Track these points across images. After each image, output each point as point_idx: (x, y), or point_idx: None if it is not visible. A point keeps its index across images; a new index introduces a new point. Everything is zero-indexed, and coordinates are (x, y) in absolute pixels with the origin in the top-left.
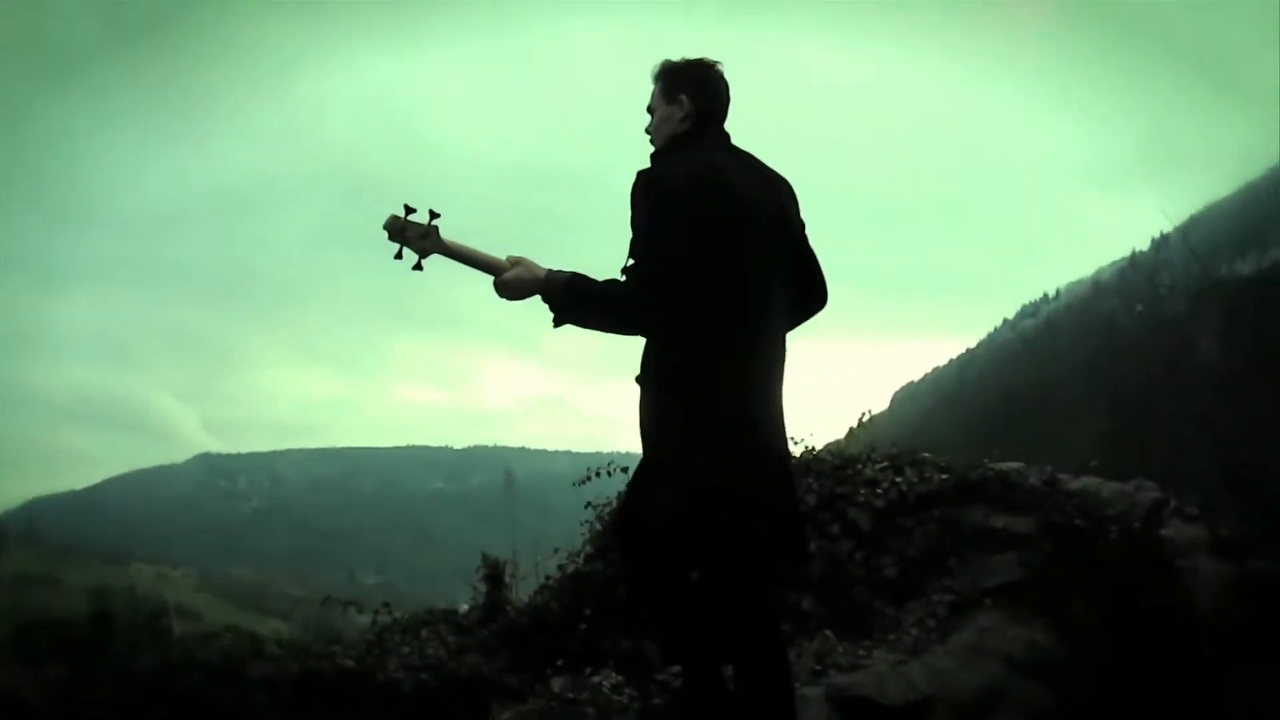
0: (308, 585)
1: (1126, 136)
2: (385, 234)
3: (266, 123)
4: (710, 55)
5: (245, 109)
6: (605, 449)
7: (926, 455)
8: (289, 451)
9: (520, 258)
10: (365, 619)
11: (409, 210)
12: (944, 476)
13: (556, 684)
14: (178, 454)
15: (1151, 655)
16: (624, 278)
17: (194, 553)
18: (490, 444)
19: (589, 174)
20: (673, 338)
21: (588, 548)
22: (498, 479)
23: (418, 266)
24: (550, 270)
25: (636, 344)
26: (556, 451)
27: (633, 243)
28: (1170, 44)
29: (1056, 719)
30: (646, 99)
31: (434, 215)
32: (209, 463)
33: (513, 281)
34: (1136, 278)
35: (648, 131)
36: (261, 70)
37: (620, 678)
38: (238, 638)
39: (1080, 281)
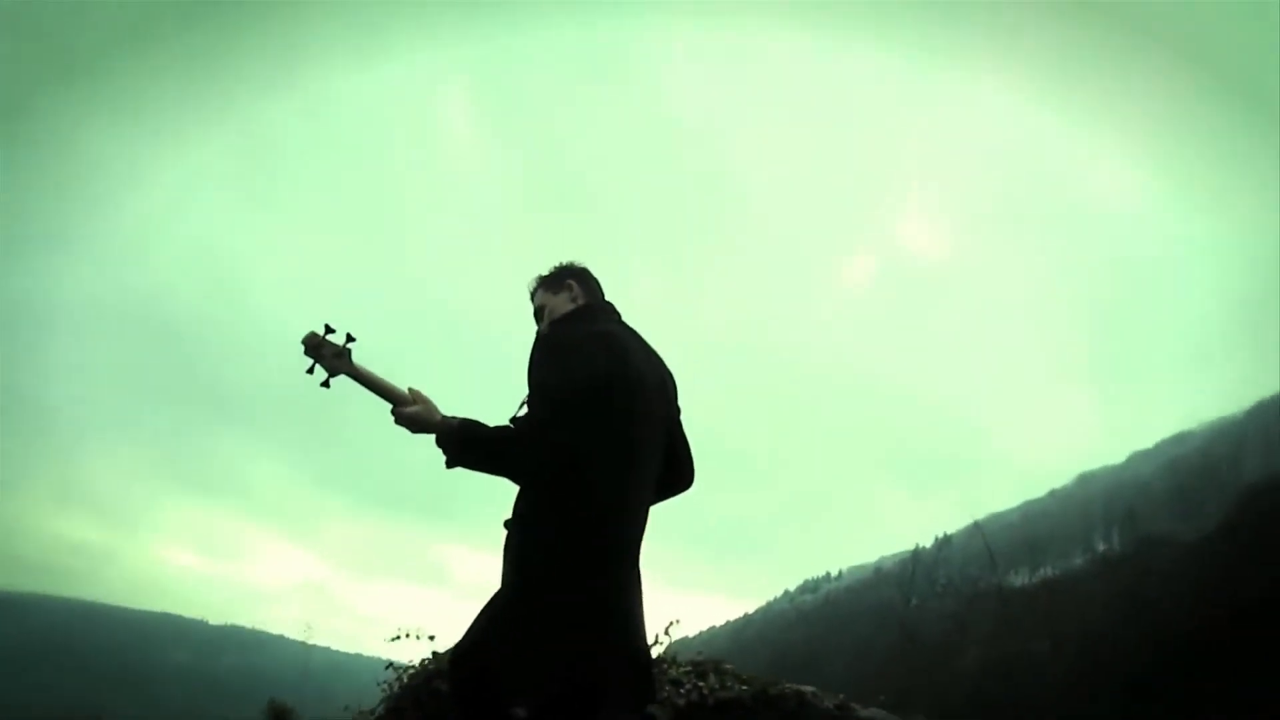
0: None
1: (927, 437)
2: (301, 347)
3: (83, 246)
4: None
5: (67, 225)
6: (366, 651)
7: (729, 666)
8: (30, 595)
9: (419, 394)
10: None
11: (328, 330)
12: (744, 687)
13: None
14: None
15: None
16: (512, 425)
17: None
18: (248, 625)
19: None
20: (551, 491)
21: (381, 707)
22: (248, 663)
23: (325, 384)
24: (445, 415)
25: (407, 542)
26: (314, 645)
27: (529, 397)
28: None
29: None
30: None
31: (350, 339)
32: None
33: (412, 414)
34: (918, 571)
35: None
36: (94, 190)
37: None
38: None
39: (863, 566)
